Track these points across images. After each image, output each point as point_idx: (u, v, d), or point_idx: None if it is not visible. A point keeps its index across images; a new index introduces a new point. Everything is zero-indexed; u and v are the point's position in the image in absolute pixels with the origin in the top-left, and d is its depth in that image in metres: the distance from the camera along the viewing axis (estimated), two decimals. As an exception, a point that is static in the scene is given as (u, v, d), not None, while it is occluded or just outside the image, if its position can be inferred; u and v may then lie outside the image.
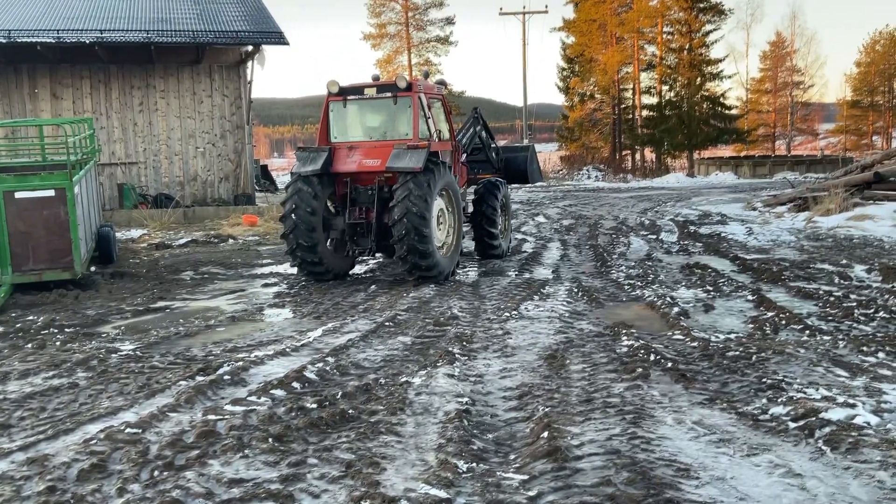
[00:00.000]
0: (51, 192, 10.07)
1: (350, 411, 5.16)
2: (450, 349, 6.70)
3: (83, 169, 11.77)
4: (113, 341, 7.59)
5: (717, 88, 43.93)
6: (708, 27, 43.07)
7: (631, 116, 45.87)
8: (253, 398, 5.44)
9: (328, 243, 10.90)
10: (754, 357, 6.18)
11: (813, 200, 17.47)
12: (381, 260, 12.78)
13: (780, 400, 5.08)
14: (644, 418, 4.88)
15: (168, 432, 4.82)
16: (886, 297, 8.39)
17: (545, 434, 4.58)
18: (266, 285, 10.82)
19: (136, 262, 13.23)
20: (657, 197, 26.69)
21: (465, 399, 5.35)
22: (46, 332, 8.06)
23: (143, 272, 12.01)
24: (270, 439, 4.65)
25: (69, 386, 6.00)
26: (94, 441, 4.65)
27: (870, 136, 58.06)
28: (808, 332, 7.06)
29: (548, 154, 51.47)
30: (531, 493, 3.88)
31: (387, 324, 7.91)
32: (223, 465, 4.31)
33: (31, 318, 8.76)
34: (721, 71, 43.90)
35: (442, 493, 3.86)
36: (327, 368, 6.19)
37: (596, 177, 41.25)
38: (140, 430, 4.82)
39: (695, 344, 6.71)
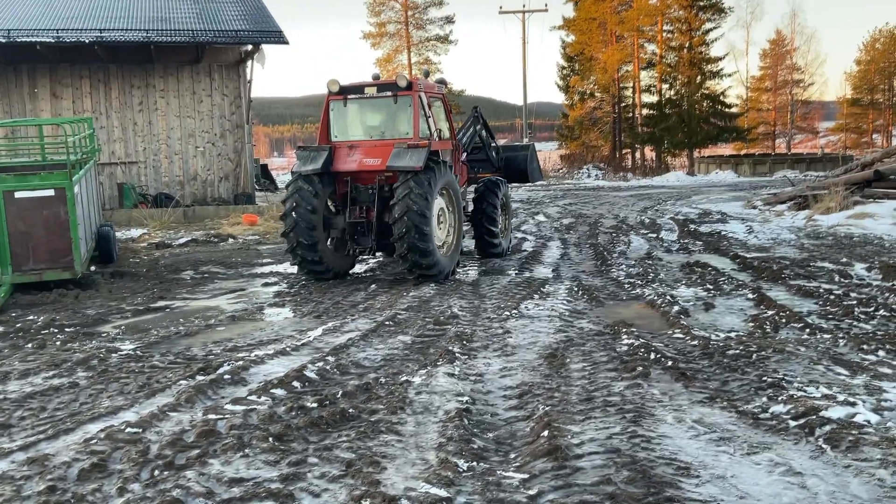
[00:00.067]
0: (51, 192, 10.07)
1: (350, 410, 5.16)
2: (450, 348, 6.70)
3: (83, 168, 11.77)
4: (113, 341, 7.59)
5: (718, 87, 43.97)
6: (708, 25, 43.08)
7: (631, 115, 45.85)
8: (253, 397, 5.44)
9: (328, 242, 10.90)
10: (754, 355, 6.18)
11: (813, 199, 17.47)
12: (381, 259, 12.78)
13: (780, 398, 5.08)
14: (644, 417, 4.88)
15: (168, 432, 4.82)
16: (886, 295, 8.38)
17: (545, 433, 4.58)
18: (266, 284, 10.82)
19: (136, 261, 13.23)
20: (657, 195, 26.68)
21: (466, 398, 5.35)
22: (47, 331, 8.06)
23: (143, 272, 12.01)
24: (271, 438, 4.65)
25: (69, 385, 6.00)
26: (95, 441, 4.66)
27: (870, 134, 58.06)
28: (808, 330, 7.06)
29: (548, 153, 51.40)
30: (531, 492, 3.88)
31: (387, 323, 7.91)
32: (223, 465, 4.31)
33: (31, 317, 8.76)
34: (721, 69, 43.93)
35: (442, 492, 3.86)
36: (327, 368, 6.20)
37: (596, 175, 41.22)
38: (140, 430, 4.82)
39: (695, 342, 6.71)
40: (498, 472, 4.16)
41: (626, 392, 5.40)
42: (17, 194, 9.94)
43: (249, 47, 20.34)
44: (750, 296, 8.76)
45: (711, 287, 9.43)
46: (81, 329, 8.16)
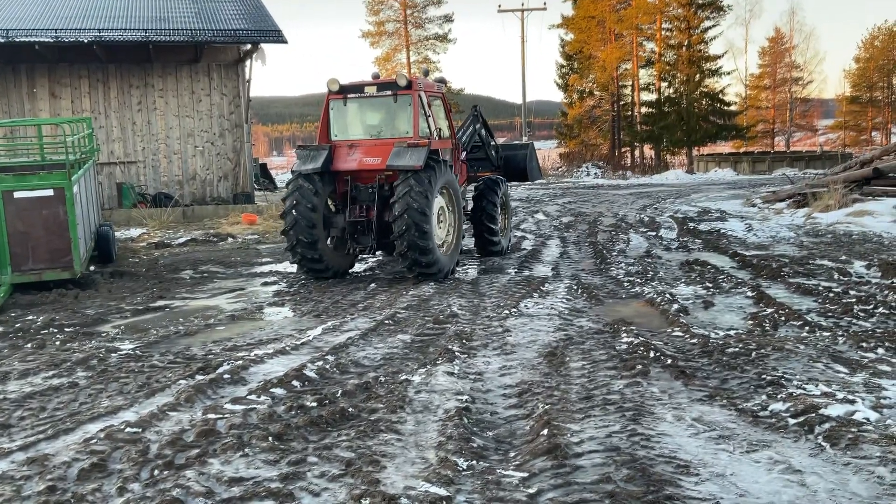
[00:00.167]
0: (50, 192, 10.07)
1: (350, 409, 5.16)
2: (449, 347, 6.70)
3: (82, 168, 11.77)
4: (112, 340, 7.59)
5: (716, 85, 43.90)
6: (707, 23, 43.02)
7: (630, 113, 45.83)
8: (253, 397, 5.44)
9: (328, 241, 10.91)
10: (754, 353, 6.18)
11: (812, 196, 17.47)
12: (380, 258, 12.79)
13: (779, 396, 5.09)
14: (644, 415, 4.88)
15: (168, 431, 4.82)
16: (886, 292, 8.39)
17: (545, 431, 4.58)
18: (265, 284, 10.82)
19: (136, 261, 13.23)
20: (656, 194, 26.68)
21: (465, 397, 5.35)
22: (46, 331, 8.06)
23: (142, 271, 12.01)
24: (270, 438, 4.66)
25: (69, 385, 6.00)
26: (95, 440, 4.66)
27: (869, 131, 58.07)
28: (807, 328, 7.06)
29: (547, 151, 51.40)
30: (531, 491, 3.88)
31: (386, 322, 7.92)
32: (223, 464, 4.31)
33: (30, 317, 8.76)
34: (720, 67, 43.86)
35: (442, 491, 3.86)
36: (327, 367, 6.20)
37: (595, 174, 41.20)
38: (140, 430, 4.82)
39: (694, 341, 6.71)
40: (497, 471, 4.16)
41: (626, 390, 5.40)
42: (17, 194, 9.94)
43: (248, 46, 20.33)
44: (749, 294, 8.76)
45: (711, 285, 9.43)
46: (81, 329, 8.16)
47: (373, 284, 10.46)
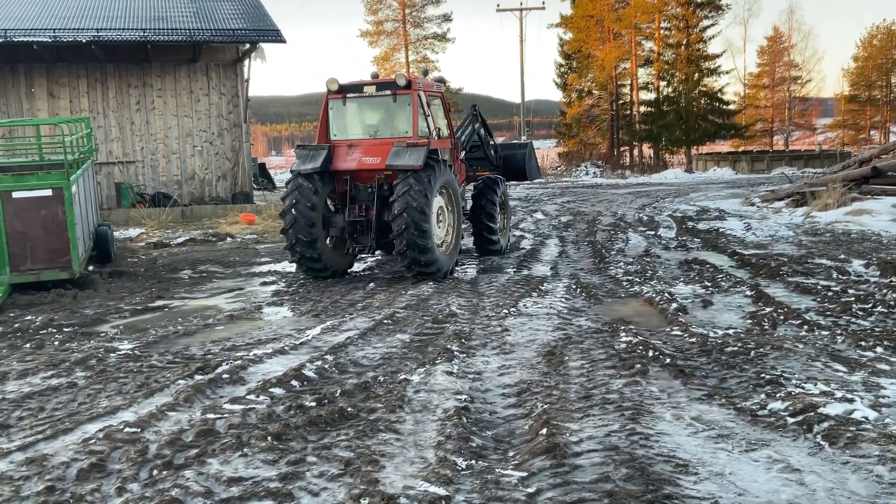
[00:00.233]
0: (48, 192, 10.06)
1: (349, 409, 5.16)
2: (448, 346, 6.70)
3: (80, 168, 11.76)
4: (111, 340, 7.59)
5: (715, 84, 43.92)
6: (705, 23, 43.05)
7: (629, 112, 45.85)
8: (252, 397, 5.44)
9: (328, 241, 10.91)
10: (752, 352, 6.19)
11: (811, 195, 17.48)
12: (379, 258, 12.79)
13: (778, 395, 5.09)
14: (643, 414, 4.88)
15: (167, 431, 4.82)
16: (884, 291, 8.39)
17: (544, 431, 4.58)
18: (264, 284, 10.82)
19: (135, 261, 13.22)
20: (655, 193, 26.69)
21: (464, 396, 5.35)
22: (45, 331, 8.06)
23: (141, 271, 12.00)
24: (269, 438, 4.66)
25: (68, 385, 6.00)
26: (93, 441, 4.65)
27: (867, 130, 58.15)
28: (806, 327, 7.06)
29: (546, 150, 51.44)
30: (530, 490, 3.88)
31: (385, 321, 7.91)
32: (222, 464, 4.31)
33: (29, 317, 8.76)
34: (719, 66, 43.90)
35: (441, 491, 3.86)
36: (326, 366, 6.20)
37: (594, 173, 41.22)
38: (139, 430, 4.82)
39: (693, 340, 6.71)
40: (496, 471, 4.16)
41: (625, 389, 5.40)
42: (15, 194, 9.94)
43: (247, 46, 20.32)
44: (748, 293, 8.76)
45: (709, 284, 9.43)
46: (79, 329, 8.15)
47: (372, 284, 10.46)
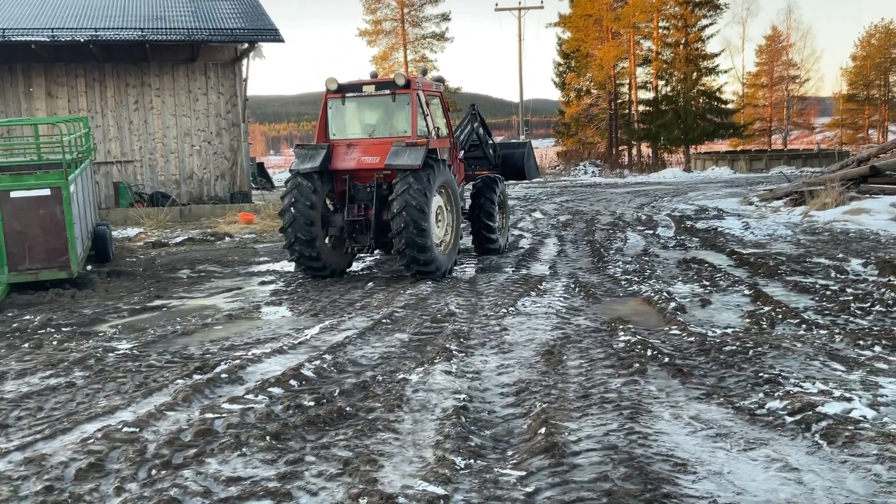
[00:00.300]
0: (46, 192, 10.06)
1: (347, 409, 5.16)
2: (447, 346, 6.70)
3: (79, 168, 11.75)
4: (110, 340, 7.58)
5: (714, 83, 43.97)
6: (704, 22, 43.08)
7: (627, 111, 45.86)
8: (250, 396, 5.44)
9: (327, 240, 10.91)
10: (751, 351, 6.19)
11: (809, 195, 17.49)
12: (378, 257, 12.79)
13: (776, 394, 5.10)
14: (641, 413, 4.89)
15: (165, 431, 4.81)
16: (882, 290, 8.40)
17: (542, 430, 4.58)
18: (263, 283, 10.82)
19: (133, 260, 13.21)
20: (654, 192, 26.70)
21: (463, 396, 5.35)
22: (43, 331, 8.05)
23: (139, 271, 12.00)
24: (268, 437, 4.65)
25: (66, 385, 5.99)
26: (92, 440, 4.65)
27: (866, 129, 58.18)
28: (804, 326, 7.07)
29: (544, 150, 51.46)
30: (528, 489, 3.89)
31: (384, 321, 7.91)
32: (221, 464, 4.31)
33: (27, 317, 8.75)
34: (717, 65, 43.94)
35: (439, 490, 3.86)
36: (324, 366, 6.19)
37: (592, 172, 41.22)
38: (137, 429, 4.81)
39: (692, 339, 6.72)
40: (495, 470, 4.16)
41: (623, 389, 5.41)
42: (13, 194, 9.93)
43: (245, 46, 20.30)
44: (746, 292, 8.77)
45: (708, 283, 9.44)
46: (78, 328, 8.15)
47: (370, 283, 10.46)
